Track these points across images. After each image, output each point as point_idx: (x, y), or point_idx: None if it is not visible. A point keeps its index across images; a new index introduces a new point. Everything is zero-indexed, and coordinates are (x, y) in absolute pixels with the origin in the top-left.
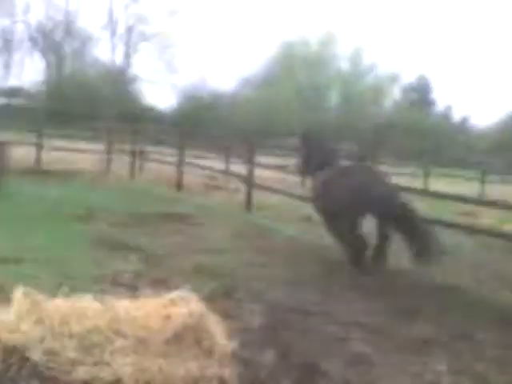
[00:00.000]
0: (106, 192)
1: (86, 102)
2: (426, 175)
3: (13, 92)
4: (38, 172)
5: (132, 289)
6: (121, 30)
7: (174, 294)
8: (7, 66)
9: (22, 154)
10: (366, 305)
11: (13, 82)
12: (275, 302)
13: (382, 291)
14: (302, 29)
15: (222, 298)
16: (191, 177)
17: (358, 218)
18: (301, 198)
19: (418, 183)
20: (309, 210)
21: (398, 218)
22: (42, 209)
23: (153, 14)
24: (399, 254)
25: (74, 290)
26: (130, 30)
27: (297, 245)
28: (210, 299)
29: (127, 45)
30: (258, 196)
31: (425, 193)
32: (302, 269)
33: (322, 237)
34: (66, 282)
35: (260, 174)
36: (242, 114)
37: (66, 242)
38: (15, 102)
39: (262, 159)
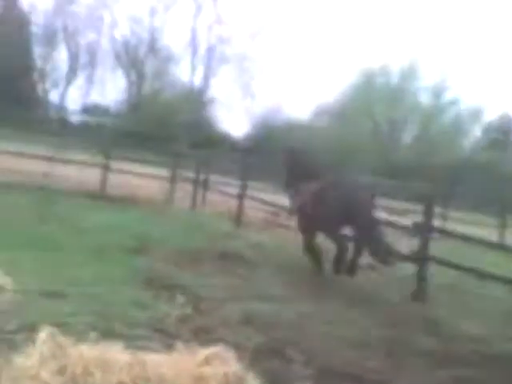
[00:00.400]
0: (164, 223)
1: (163, 124)
2: (503, 226)
3: (93, 109)
4: (100, 196)
5: (171, 337)
6: (202, 50)
7: (210, 350)
8: (90, 82)
9: (88, 174)
10: (429, 374)
11: (94, 98)
12: (329, 365)
13: (446, 358)
14: (383, 57)
15: (269, 355)
16: (253, 211)
17: (340, 227)
18: None
19: (493, 235)
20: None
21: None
22: (95, 237)
23: (235, 36)
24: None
25: (110, 333)
26: (210, 50)
27: (361, 295)
28: (254, 357)
29: (207, 66)
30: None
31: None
32: (364, 327)
33: (387, 288)
34: (103, 324)
35: None
36: (315, 146)
37: (114, 276)
38: (94, 120)
39: None
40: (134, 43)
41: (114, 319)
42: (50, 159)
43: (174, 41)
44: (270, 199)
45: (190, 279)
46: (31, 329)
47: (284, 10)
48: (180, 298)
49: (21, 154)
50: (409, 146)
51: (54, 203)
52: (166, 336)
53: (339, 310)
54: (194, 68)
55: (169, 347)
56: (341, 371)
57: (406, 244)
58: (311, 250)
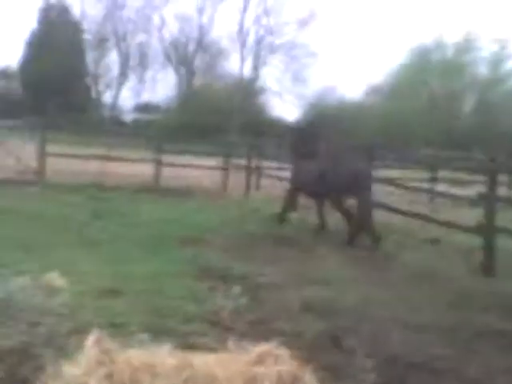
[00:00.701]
0: (219, 212)
1: (215, 115)
2: None
3: (145, 107)
4: (154, 190)
5: (227, 330)
6: (250, 41)
7: (263, 348)
8: (141, 81)
9: (142, 170)
10: (502, 359)
11: (146, 97)
12: (393, 354)
13: None
14: (437, 31)
15: (328, 346)
16: None
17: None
18: (427, 218)
19: None
20: (437, 231)
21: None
22: (151, 231)
23: (282, 25)
24: None
25: (163, 330)
26: (259, 41)
27: (423, 275)
28: (313, 348)
29: (256, 56)
30: (379, 216)
31: None
32: (428, 308)
33: (452, 262)
34: (157, 321)
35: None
36: (369, 123)
37: (169, 270)
38: (146, 117)
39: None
40: (183, 41)
41: (168, 315)
42: (103, 158)
43: (222, 35)
44: None
45: (246, 268)
46: (83, 331)
47: None
48: (236, 289)
49: (75, 156)
50: (468, 117)
51: (109, 200)
52: (221, 330)
53: (401, 290)
54: (243, 60)
55: (223, 342)
56: (405, 360)
57: (469, 216)
58: (289, 203)
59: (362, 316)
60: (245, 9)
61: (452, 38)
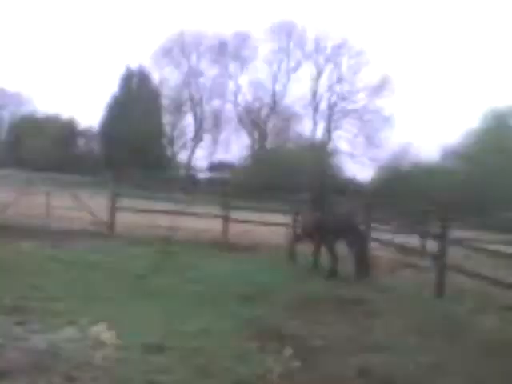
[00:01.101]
0: (284, 269)
1: (288, 176)
2: None
3: (219, 166)
4: (221, 246)
5: None
6: (323, 106)
7: None
8: (215, 143)
9: (211, 226)
10: None
11: (219, 156)
12: None
13: None
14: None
15: None
16: (379, 252)
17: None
18: (505, 284)
19: None
20: None
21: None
22: (210, 287)
23: (355, 92)
24: None
25: None
26: (332, 106)
27: (498, 343)
28: None
29: (328, 120)
30: (453, 279)
31: None
32: (498, 381)
33: None
34: (199, 381)
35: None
36: (443, 186)
37: (221, 327)
38: (219, 175)
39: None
40: (256, 106)
41: (212, 375)
42: (175, 213)
43: (295, 100)
44: (400, 241)
45: (303, 328)
46: None
47: (403, 58)
48: (288, 350)
49: (145, 210)
50: None
51: (175, 254)
52: None
53: (470, 359)
54: (315, 123)
55: None
56: None
57: None
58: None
59: None
60: (318, 77)
61: None
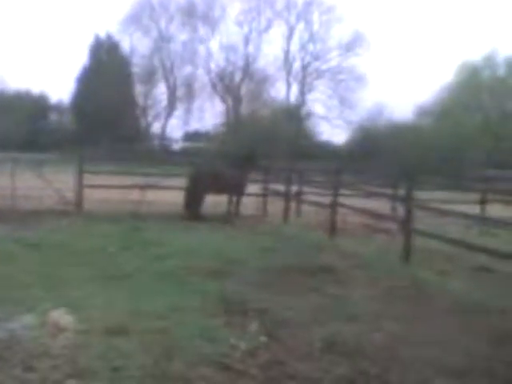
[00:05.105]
0: (254, 239)
1: (262, 142)
2: None
3: (194, 136)
4: (190, 217)
5: (238, 375)
6: (296, 67)
7: None
8: (188, 112)
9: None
10: None
11: (194, 126)
12: None
13: None
14: (487, 48)
15: None
16: (350, 218)
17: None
18: (470, 246)
19: None
20: (484, 259)
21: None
22: (176, 262)
23: (328, 51)
24: None
25: (168, 376)
26: (305, 67)
27: (467, 308)
28: None
29: (302, 83)
30: (419, 242)
31: None
32: (467, 347)
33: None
34: (163, 364)
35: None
36: (423, 146)
37: (186, 305)
38: (195, 145)
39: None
40: (229, 71)
41: (175, 357)
42: (144, 188)
43: (268, 63)
44: (368, 206)
45: (270, 301)
46: (80, 376)
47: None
48: (253, 326)
49: (112, 186)
50: None
51: (142, 230)
52: (231, 374)
53: (438, 326)
54: (289, 86)
55: None
56: None
57: None
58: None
59: (390, 357)
60: (290, 36)
61: (502, 53)
